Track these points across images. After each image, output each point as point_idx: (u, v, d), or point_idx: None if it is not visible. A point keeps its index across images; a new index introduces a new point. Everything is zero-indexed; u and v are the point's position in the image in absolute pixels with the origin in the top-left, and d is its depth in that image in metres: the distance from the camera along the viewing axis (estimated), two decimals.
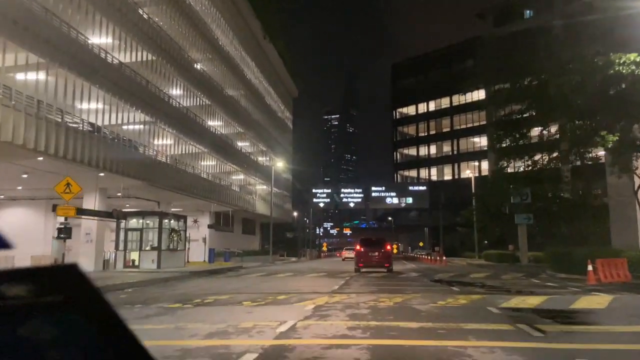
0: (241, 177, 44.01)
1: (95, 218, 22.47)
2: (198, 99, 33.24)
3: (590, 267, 17.54)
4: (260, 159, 49.31)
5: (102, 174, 24.17)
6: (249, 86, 44.25)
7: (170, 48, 28.39)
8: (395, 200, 59.37)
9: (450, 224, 60.62)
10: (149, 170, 26.12)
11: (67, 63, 19.95)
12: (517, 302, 11.13)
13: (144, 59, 25.91)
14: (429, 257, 50.23)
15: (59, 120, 19.69)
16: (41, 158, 19.71)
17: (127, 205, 32.34)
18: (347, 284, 17.46)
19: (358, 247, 26.88)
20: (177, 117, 29.69)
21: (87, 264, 25.75)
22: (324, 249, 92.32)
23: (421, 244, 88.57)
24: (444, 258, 41.13)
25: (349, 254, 53.65)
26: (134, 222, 29.77)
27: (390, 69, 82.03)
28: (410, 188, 60.25)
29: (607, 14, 15.42)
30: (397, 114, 78.05)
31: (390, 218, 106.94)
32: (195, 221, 37.59)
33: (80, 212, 20.40)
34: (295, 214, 67.01)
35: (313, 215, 70.89)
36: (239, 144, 42.71)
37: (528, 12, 63.47)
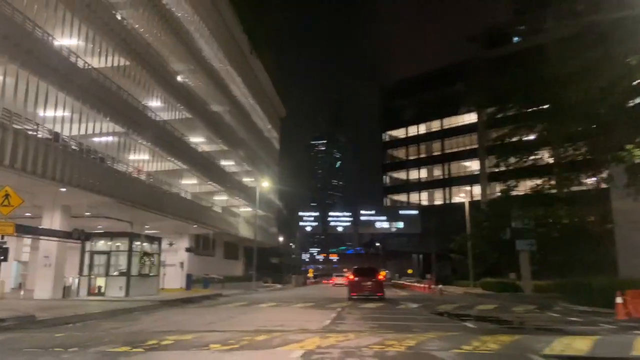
0: (224, 197, 41.37)
1: (49, 238, 19.66)
2: (178, 112, 30.87)
3: (619, 299, 15.22)
4: (244, 179, 46.79)
5: (63, 189, 21.48)
6: (234, 102, 42.04)
7: (147, 55, 26.11)
8: (386, 225, 57.04)
9: (442, 250, 58.33)
10: (119, 187, 23.49)
11: (29, 63, 17.55)
12: (561, 347, 8.72)
13: (118, 64, 23.56)
14: (421, 285, 47.65)
15: (6, 122, 17.11)
16: None
17: (99, 227, 29.52)
18: (341, 317, 14.91)
19: (351, 276, 27.57)
20: (153, 130, 27.23)
21: (45, 291, 22.82)
22: (310, 275, 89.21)
23: (410, 271, 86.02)
24: (440, 286, 38.58)
25: (339, 280, 56.87)
26: (101, 245, 26.95)
27: (379, 91, 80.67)
28: (401, 212, 58.06)
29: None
30: (387, 136, 76.37)
31: (378, 244, 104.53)
32: (171, 244, 34.71)
33: (25, 230, 17.56)
34: (280, 238, 64.27)
35: (299, 240, 68.14)
36: (222, 162, 40.21)
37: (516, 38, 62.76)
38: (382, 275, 30.02)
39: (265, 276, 55.82)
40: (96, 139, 23.38)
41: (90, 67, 21.94)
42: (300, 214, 60.27)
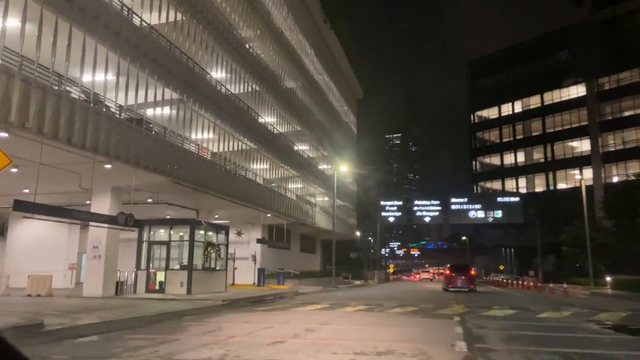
0: (299, 184, 37.11)
1: (86, 223, 16.09)
2: (245, 83, 26.89)
3: None
4: (321, 164, 42.34)
5: (108, 166, 17.95)
6: (307, 77, 37.67)
7: (208, 10, 22.17)
8: (481, 214, 50.30)
9: (546, 243, 50.75)
10: (178, 165, 19.70)
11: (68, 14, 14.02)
12: None
13: (174, 18, 19.76)
14: (523, 283, 40.83)
15: (44, 82, 13.58)
16: (5, 134, 13.59)
17: (168, 216, 26.35)
18: (472, 333, 9.80)
19: (448, 271, 32.67)
20: (218, 102, 23.35)
21: (94, 287, 19.56)
22: (391, 270, 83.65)
23: (501, 267, 78.13)
24: (564, 286, 31.73)
25: (425, 275, 70.25)
26: (161, 234, 23.53)
27: (465, 69, 73.16)
28: (499, 199, 51.01)
29: None
30: (475, 117, 68.99)
31: (464, 238, 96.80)
32: (239, 233, 30.97)
33: (41, 210, 13.82)
34: (357, 233, 59.45)
35: (380, 233, 62.81)
36: (297, 144, 35.96)
37: None
38: (473, 271, 33.96)
39: (343, 271, 51.40)
40: (150, 111, 19.73)
41: (144, 23, 18.26)
42: (383, 203, 54.88)
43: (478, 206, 51.11)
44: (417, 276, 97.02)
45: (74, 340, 9.27)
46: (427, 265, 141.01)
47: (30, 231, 30.48)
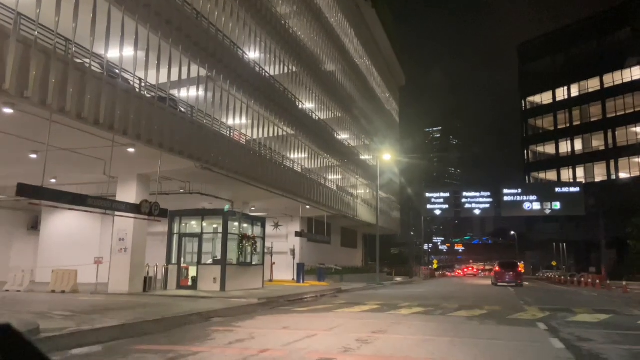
0: (340, 174, 34.79)
1: (105, 212, 14.33)
2: (284, 64, 24.83)
3: None
4: (362, 154, 39.91)
5: (131, 150, 16.21)
6: (349, 61, 35.27)
7: None
8: (537, 206, 46.51)
9: (609, 237, 46.62)
10: (207, 148, 17.78)
11: None
12: None
13: None
14: (586, 280, 37.23)
15: (50, 47, 11.84)
16: (10, 110, 11.95)
17: (207, 206, 24.68)
18: (584, 354, 7.31)
19: (497, 268, 36.54)
20: (252, 81, 21.35)
21: (119, 283, 17.94)
22: (435, 266, 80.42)
23: (554, 263, 73.68)
24: None
25: (469, 270, 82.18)
26: (193, 226, 21.80)
27: (516, 52, 68.72)
28: (557, 190, 47.03)
29: None
30: (527, 104, 64.72)
31: (513, 232, 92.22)
32: (277, 225, 29.01)
33: (28, 191, 11.95)
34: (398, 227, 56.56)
35: (424, 227, 59.67)
36: (338, 132, 33.65)
37: None
38: (521, 267, 38.33)
39: (384, 267, 48.93)
40: (174, 89, 17.88)
41: None
42: (428, 195, 51.87)
43: (534, 197, 47.34)
44: (463, 272, 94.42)
45: (68, 351, 7.39)
46: (471, 261, 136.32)
47: (63, 225, 29.58)
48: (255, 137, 22.42)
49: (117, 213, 14.92)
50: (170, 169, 18.05)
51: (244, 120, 21.15)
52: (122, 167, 18.56)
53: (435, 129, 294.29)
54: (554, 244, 76.07)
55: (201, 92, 17.92)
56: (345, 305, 15.67)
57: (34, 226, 30.67)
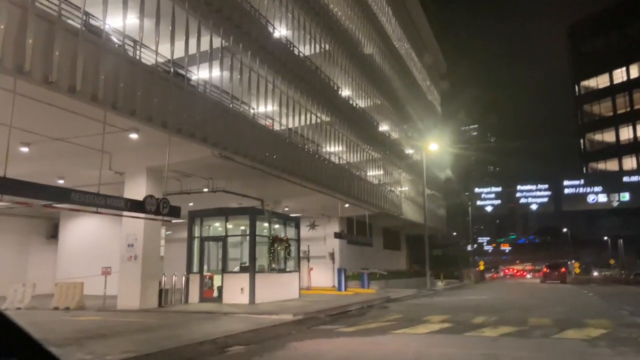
0: (381, 168, 31.19)
1: (104, 211, 11.41)
2: (316, 41, 21.67)
3: None
4: (405, 146, 36.25)
5: (133, 135, 13.33)
6: (387, 43, 31.79)
7: None
8: (602, 198, 41.70)
9: None
10: (226, 132, 14.70)
11: None
12: None
13: None
14: None
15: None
16: None
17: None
18: None
19: (545, 269, 47.74)
20: (278, 55, 18.21)
21: (129, 298, 15.08)
22: (481, 268, 75.61)
23: (612, 261, 67.83)
24: None
25: (519, 273, 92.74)
26: (217, 228, 18.85)
27: (566, 32, 63.34)
28: (626, 179, 42.05)
29: None
30: (581, 89, 59.45)
31: (565, 230, 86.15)
32: (313, 225, 25.80)
33: (32, 191, 9.26)
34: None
35: (471, 225, 55.13)
36: (378, 121, 30.14)
37: None
38: (564, 269, 45.70)
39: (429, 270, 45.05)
40: (179, 57, 14.89)
41: None
42: (478, 190, 47.70)
43: (598, 188, 42.52)
44: (516, 273, 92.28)
45: None
46: (518, 262, 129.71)
47: (82, 232, 27.20)
48: (284, 123, 19.26)
49: (113, 212, 11.98)
50: (184, 160, 15.09)
51: (270, 103, 17.99)
52: (128, 160, 15.81)
53: (471, 126, 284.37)
54: (610, 240, 70.24)
55: (217, 66, 14.88)
56: (404, 321, 12.27)
57: (53, 234, 28.53)
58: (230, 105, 15.10)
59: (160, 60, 12.32)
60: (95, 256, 23.99)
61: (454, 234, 78.24)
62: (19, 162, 16.81)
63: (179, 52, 13.26)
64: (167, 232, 26.38)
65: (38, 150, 15.18)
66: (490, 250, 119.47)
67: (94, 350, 8.00)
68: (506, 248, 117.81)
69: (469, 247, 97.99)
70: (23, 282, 17.08)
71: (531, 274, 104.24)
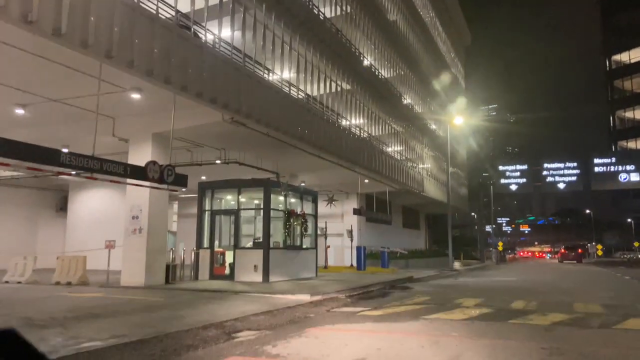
0: (403, 143, 29.56)
1: (101, 177, 10.17)
2: (339, 3, 20.00)
3: None
4: (428, 120, 34.51)
5: (136, 95, 12.05)
6: (412, 10, 29.85)
7: None
8: (635, 177, 39.54)
9: None
10: (239, 92, 13.30)
11: None
12: None
13: None
14: None
15: None
16: None
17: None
18: None
19: (563, 250, 55.62)
20: (294, 11, 16.62)
21: (133, 273, 14.00)
22: (500, 249, 73.93)
23: (637, 243, 65.78)
24: None
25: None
26: (229, 201, 17.64)
27: (598, 4, 60.10)
28: None
29: None
30: (612, 63, 56.56)
31: (588, 211, 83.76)
32: (331, 200, 24.49)
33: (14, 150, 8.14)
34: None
35: (486, 208, 53.21)
36: (401, 91, 28.41)
37: None
38: (580, 250, 53.84)
39: (446, 250, 43.80)
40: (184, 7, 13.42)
41: None
42: (502, 168, 45.81)
43: (631, 167, 40.35)
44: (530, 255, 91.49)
45: None
46: (536, 243, 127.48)
47: (91, 204, 26.30)
48: (302, 88, 17.77)
49: (110, 178, 10.77)
50: (193, 125, 13.81)
51: (287, 66, 16.49)
52: (133, 125, 14.60)
53: (491, 106, 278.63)
54: (633, 223, 68.06)
55: (228, 21, 13.40)
56: (433, 304, 10.96)
57: (62, 207, 27.71)
58: (244, 65, 13.66)
59: (162, 7, 10.90)
60: (105, 229, 23.05)
61: (472, 214, 76.45)
62: (18, 129, 15.77)
63: (185, 3, 11.85)
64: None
65: (36, 113, 14.04)
66: (509, 232, 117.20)
67: (79, 333, 6.85)
68: (525, 229, 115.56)
69: (488, 228, 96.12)
70: (24, 255, 16.12)
71: (550, 255, 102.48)
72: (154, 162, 11.14)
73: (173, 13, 11.21)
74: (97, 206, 25.72)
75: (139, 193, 14.00)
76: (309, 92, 17.65)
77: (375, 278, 18.18)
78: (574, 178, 43.60)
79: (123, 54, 9.49)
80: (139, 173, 10.87)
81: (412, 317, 8.92)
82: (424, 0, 32.95)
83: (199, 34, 12.00)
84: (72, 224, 26.31)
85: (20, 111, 13.53)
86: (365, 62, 22.89)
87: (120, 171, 10.37)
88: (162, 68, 10.52)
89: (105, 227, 23.01)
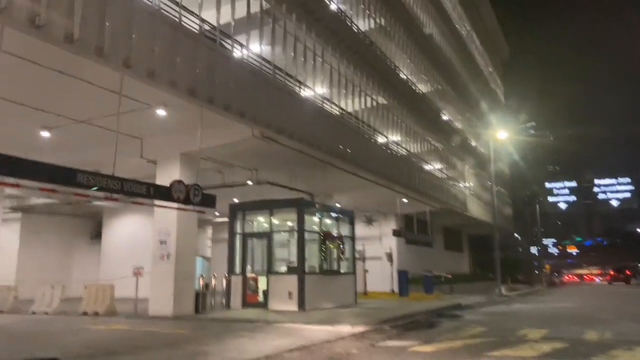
0: (443, 159, 28.02)
1: (116, 197, 9.31)
2: (369, 12, 19.18)
3: None
4: (469, 136, 32.97)
5: (161, 111, 11.37)
6: (446, 20, 28.80)
7: None
8: None
9: None
10: (269, 105, 12.42)
11: None
12: None
13: None
14: None
15: None
16: None
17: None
18: None
19: (612, 272, 56.62)
20: (326, 20, 15.80)
21: (162, 303, 13.12)
22: (547, 270, 70.20)
23: None
24: None
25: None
26: (261, 222, 16.70)
27: None
28: None
29: None
30: None
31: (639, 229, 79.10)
32: (370, 221, 23.22)
33: (16, 168, 7.43)
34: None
35: (530, 228, 50.54)
36: (439, 106, 27.07)
37: None
38: (628, 272, 52.82)
39: (489, 273, 41.53)
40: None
41: None
42: (549, 185, 43.51)
43: None
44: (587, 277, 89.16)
45: None
46: (584, 265, 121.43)
47: (125, 231, 25.88)
48: (336, 101, 16.79)
49: (133, 199, 9.99)
50: (223, 142, 13.03)
51: (320, 78, 15.59)
52: (160, 145, 13.94)
53: (529, 124, 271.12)
54: None
55: (255, 33, 12.64)
56: (492, 336, 9.56)
57: (97, 234, 27.45)
58: (274, 77, 12.83)
59: (185, 16, 10.22)
60: (138, 256, 22.36)
61: (515, 235, 73.23)
62: (45, 153, 15.35)
63: (210, 14, 11.17)
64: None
65: (62, 136, 13.54)
66: (556, 254, 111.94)
67: None
68: (573, 250, 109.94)
69: (533, 249, 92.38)
70: (52, 284, 15.54)
71: (600, 277, 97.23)
72: (179, 182, 10.30)
73: (197, 22, 10.50)
74: (130, 233, 25.27)
75: (166, 216, 13.21)
76: (343, 106, 16.67)
77: (421, 305, 16.74)
78: (627, 195, 40.93)
79: (143, 63, 8.78)
80: (163, 193, 10.05)
81: (473, 354, 7.59)
82: (459, 12, 31.85)
83: (224, 43, 11.25)
84: (106, 251, 25.94)
85: (45, 134, 13.06)
86: (402, 76, 21.83)
87: (142, 191, 9.57)
88: (185, 78, 9.77)
89: (138, 253, 22.33)
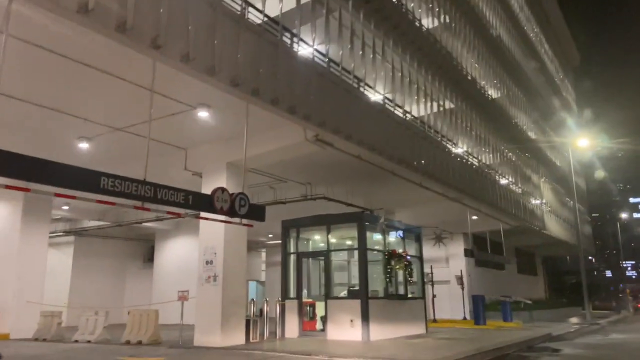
0: (517, 171, 25.22)
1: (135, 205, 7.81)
2: (436, 15, 17.42)
3: None
4: (544, 147, 29.99)
5: (203, 113, 10.06)
6: (515, 22, 26.45)
7: None
8: None
9: None
10: (323, 102, 10.79)
11: None
12: None
13: None
14: None
15: None
16: None
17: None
18: None
19: None
20: (393, 18, 14.17)
21: (209, 330, 11.61)
22: (627, 295, 63.97)
23: None
24: None
25: None
26: (317, 241, 15.01)
27: None
28: None
29: None
30: None
31: None
32: (440, 239, 20.94)
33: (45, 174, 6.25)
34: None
35: (620, 244, 45.84)
36: (510, 112, 24.56)
37: None
38: None
39: (562, 298, 37.65)
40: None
41: None
42: (633, 200, 39.27)
43: None
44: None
45: None
46: None
47: (177, 253, 24.94)
48: (400, 103, 14.94)
49: (165, 208, 8.60)
50: (272, 148, 11.52)
51: (380, 75, 13.85)
52: (205, 155, 12.69)
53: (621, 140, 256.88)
54: None
55: (307, 26, 11.15)
56: None
57: (150, 257, 26.72)
58: (329, 70, 11.26)
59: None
60: (188, 280, 21.26)
61: (590, 258, 67.66)
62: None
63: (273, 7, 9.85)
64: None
65: (101, 148, 12.50)
66: (634, 276, 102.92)
67: None
68: None
69: (608, 273, 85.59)
70: (95, 310, 14.43)
71: None
72: (222, 190, 8.82)
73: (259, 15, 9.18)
74: (181, 255, 24.31)
75: (212, 233, 11.82)
76: (407, 108, 14.84)
77: (504, 336, 14.32)
78: None
79: (203, 58, 7.67)
80: (204, 203, 8.59)
81: None
82: (525, 10, 29.39)
83: (275, 34, 9.82)
84: (158, 274, 25.08)
85: (84, 145, 12.08)
86: (470, 78, 19.76)
87: (179, 200, 8.13)
88: (248, 77, 8.56)
89: (189, 277, 21.22)
